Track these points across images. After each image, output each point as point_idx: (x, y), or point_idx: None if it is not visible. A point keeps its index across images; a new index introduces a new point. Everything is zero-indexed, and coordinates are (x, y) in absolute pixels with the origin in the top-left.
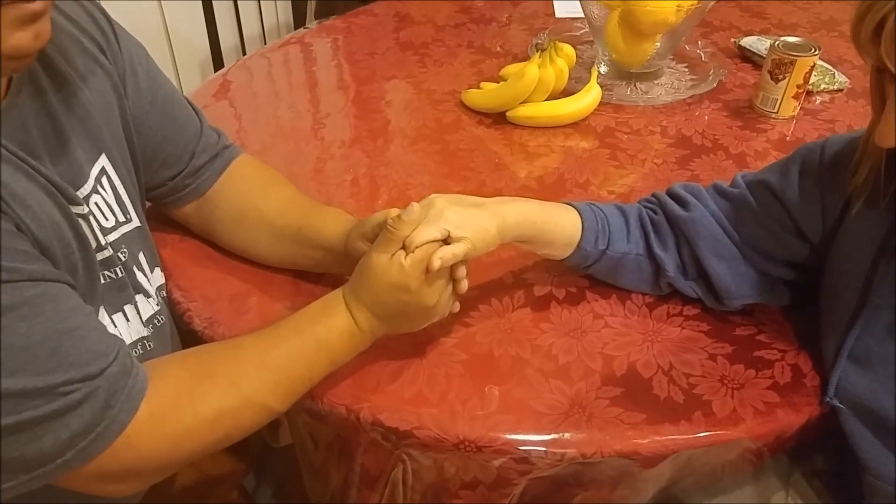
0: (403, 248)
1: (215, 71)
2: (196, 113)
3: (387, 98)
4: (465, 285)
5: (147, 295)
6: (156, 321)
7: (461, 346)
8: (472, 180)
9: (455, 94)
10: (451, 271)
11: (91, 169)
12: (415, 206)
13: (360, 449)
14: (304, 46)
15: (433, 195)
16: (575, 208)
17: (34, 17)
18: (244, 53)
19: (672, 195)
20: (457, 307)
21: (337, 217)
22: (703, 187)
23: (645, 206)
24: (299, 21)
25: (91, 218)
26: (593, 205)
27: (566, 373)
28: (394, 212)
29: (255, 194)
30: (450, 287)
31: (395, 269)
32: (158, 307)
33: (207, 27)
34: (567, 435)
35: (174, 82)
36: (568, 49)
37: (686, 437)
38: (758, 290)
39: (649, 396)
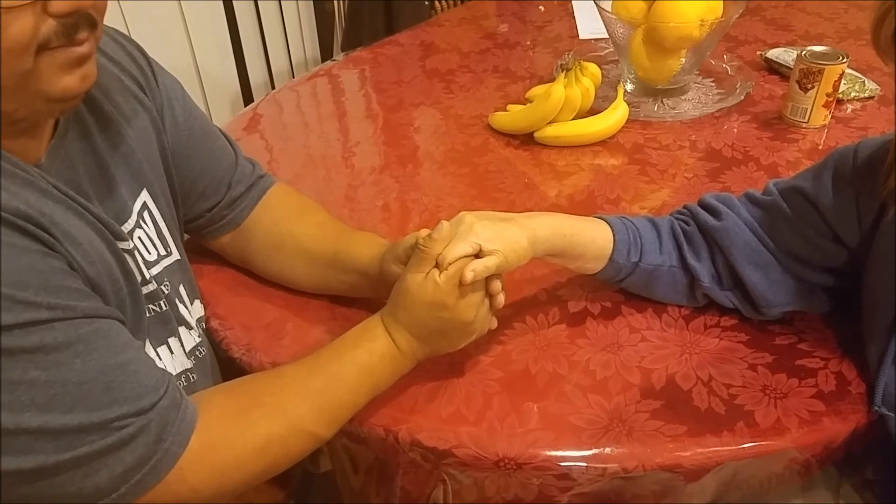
0: (437, 266)
1: (245, 108)
2: (231, 144)
3: (415, 124)
4: (501, 299)
5: (189, 327)
6: (198, 353)
7: (497, 363)
8: (502, 201)
9: (482, 117)
10: (486, 286)
11: (134, 204)
12: (444, 224)
13: (399, 470)
14: (331, 78)
15: (462, 212)
16: (606, 221)
17: (81, 61)
18: (273, 88)
19: (703, 205)
20: (494, 323)
21: (370, 241)
22: (735, 196)
23: (676, 218)
24: (326, 54)
25: (136, 252)
26: (625, 217)
27: (604, 387)
28: (424, 232)
29: (290, 222)
30: (487, 302)
31: (431, 287)
32: (200, 339)
33: (237, 64)
34: (608, 449)
35: None
36: (593, 68)
37: (730, 448)
38: (796, 297)
39: (690, 408)
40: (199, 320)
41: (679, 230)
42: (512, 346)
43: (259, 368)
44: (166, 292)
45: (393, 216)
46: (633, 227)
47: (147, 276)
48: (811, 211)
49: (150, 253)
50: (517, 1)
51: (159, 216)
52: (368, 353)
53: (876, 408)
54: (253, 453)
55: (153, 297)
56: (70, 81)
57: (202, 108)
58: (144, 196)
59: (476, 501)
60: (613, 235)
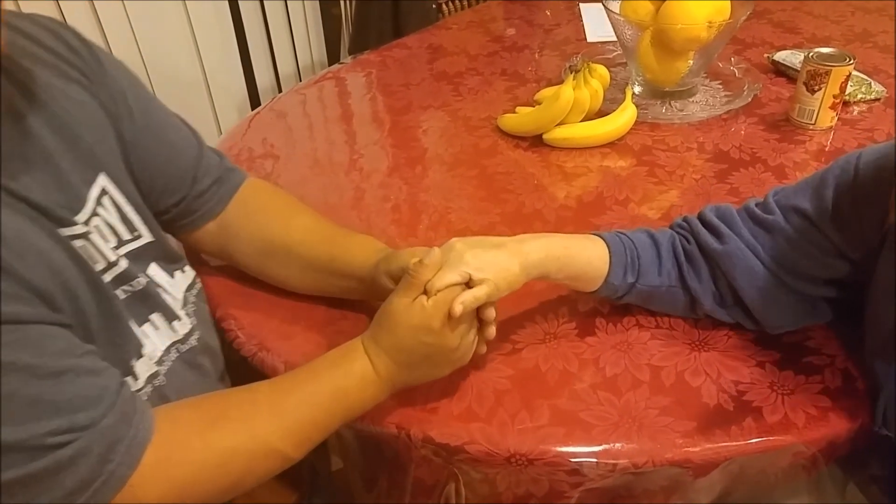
0: (425, 292)
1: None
2: (195, 135)
3: (423, 127)
4: (492, 331)
5: (174, 298)
6: (189, 318)
7: (508, 361)
8: (511, 202)
9: (491, 120)
10: (478, 313)
11: (89, 191)
12: (436, 251)
13: (411, 467)
14: (339, 81)
15: (453, 239)
16: (603, 240)
17: None
18: (280, 91)
19: (705, 223)
20: (483, 349)
21: (367, 247)
22: (736, 210)
23: (678, 233)
24: (333, 58)
25: (93, 237)
26: (623, 234)
27: (614, 384)
28: (419, 250)
29: (278, 226)
30: (473, 331)
31: (417, 310)
32: (189, 307)
33: (243, 68)
34: (618, 445)
35: (212, 124)
36: (602, 70)
37: (738, 443)
38: (799, 316)
39: (699, 405)
40: (188, 288)
41: (680, 248)
42: (522, 344)
43: (271, 367)
44: (137, 273)
45: (403, 217)
46: (631, 246)
47: (112, 259)
48: (814, 230)
49: (114, 237)
50: (525, 4)
51: (123, 200)
52: (345, 374)
53: (876, 429)
54: (215, 468)
55: (124, 278)
56: None
57: (209, 112)
58: (103, 181)
59: (488, 497)
60: (610, 256)
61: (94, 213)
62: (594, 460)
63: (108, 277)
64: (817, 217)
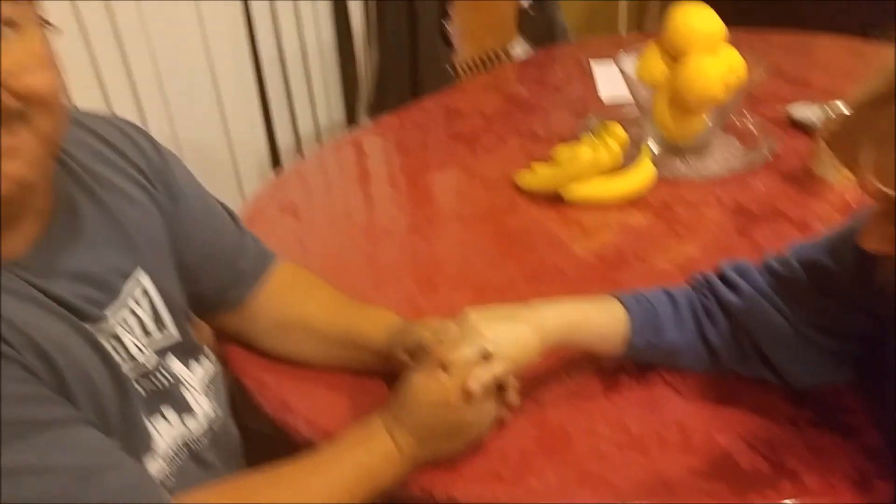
0: (443, 368)
1: (273, 169)
2: (234, 221)
3: (441, 186)
4: (515, 398)
5: (194, 389)
6: (209, 418)
7: (532, 421)
8: (531, 259)
9: (507, 177)
10: (498, 382)
11: (124, 284)
12: (453, 326)
13: None
14: (360, 143)
15: (467, 309)
16: (621, 301)
17: None
18: (300, 152)
19: (723, 278)
20: (506, 415)
21: (381, 321)
22: (755, 266)
23: (695, 289)
24: (351, 118)
25: (120, 331)
26: (640, 294)
27: (641, 444)
28: (433, 323)
29: (297, 304)
30: (491, 402)
31: (435, 387)
32: (208, 395)
33: (266, 127)
34: None
35: (234, 183)
36: (619, 130)
37: None
38: (824, 371)
39: (730, 465)
40: (206, 377)
41: (699, 304)
42: (547, 403)
43: (293, 426)
44: (160, 370)
45: (422, 275)
46: (648, 306)
47: (135, 354)
48: (834, 286)
49: (142, 332)
50: (537, 66)
51: (158, 297)
52: (369, 453)
53: None
54: None
55: (147, 373)
56: None
57: (230, 172)
58: (139, 275)
59: None
60: (629, 317)
61: (126, 306)
62: None
63: (131, 373)
64: (837, 272)
